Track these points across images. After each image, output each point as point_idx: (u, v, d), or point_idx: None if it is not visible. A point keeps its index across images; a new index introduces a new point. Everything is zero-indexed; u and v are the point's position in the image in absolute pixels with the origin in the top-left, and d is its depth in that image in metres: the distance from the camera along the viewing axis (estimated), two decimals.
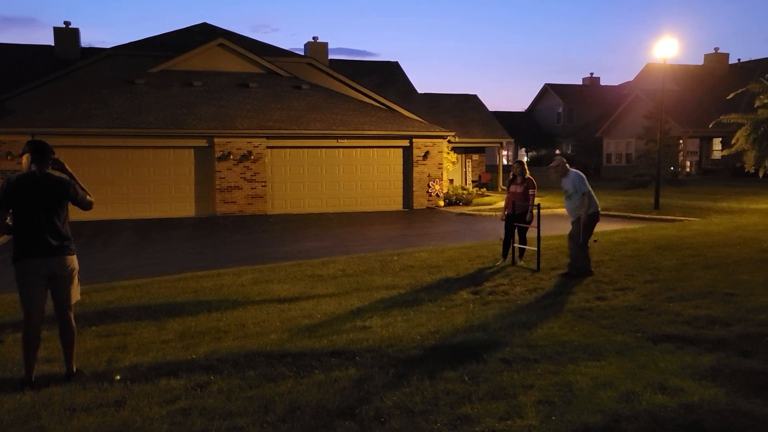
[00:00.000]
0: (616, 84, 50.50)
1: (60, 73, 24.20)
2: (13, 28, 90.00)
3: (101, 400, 4.30)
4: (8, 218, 4.78)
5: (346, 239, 15.05)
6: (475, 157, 30.80)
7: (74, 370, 4.85)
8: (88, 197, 4.95)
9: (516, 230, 9.75)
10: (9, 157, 17.55)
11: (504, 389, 4.27)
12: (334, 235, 15.82)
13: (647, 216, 17.74)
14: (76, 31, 28.21)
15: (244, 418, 3.91)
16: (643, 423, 3.70)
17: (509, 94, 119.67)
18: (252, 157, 20.20)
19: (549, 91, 50.68)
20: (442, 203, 22.52)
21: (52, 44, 28.07)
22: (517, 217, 9.71)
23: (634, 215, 17.98)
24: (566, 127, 47.96)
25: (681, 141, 34.21)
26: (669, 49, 18.61)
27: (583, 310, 6.55)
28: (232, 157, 19.99)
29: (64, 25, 27.88)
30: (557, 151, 45.18)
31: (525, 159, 45.48)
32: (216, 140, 19.86)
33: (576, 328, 5.83)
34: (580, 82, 53.09)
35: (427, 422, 3.81)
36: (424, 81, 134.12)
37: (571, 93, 49.78)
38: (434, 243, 13.39)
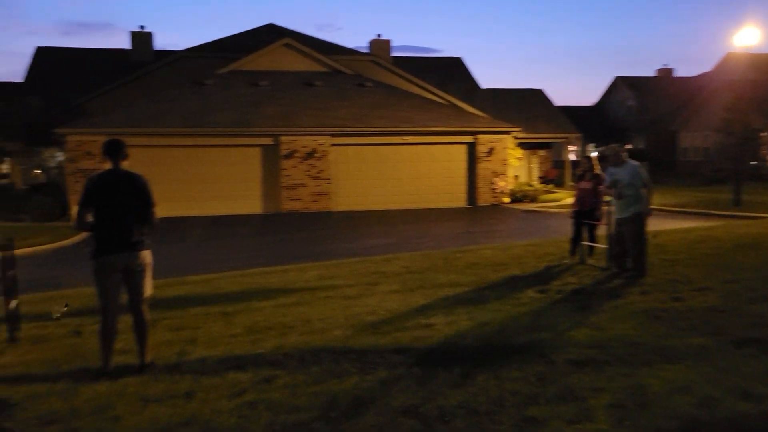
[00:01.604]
0: (692, 75, 48.38)
1: (135, 75, 25.20)
2: (92, 34, 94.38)
3: (172, 391, 4.42)
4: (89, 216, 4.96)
5: (409, 236, 15.01)
6: (541, 152, 30.19)
7: (147, 361, 5.01)
8: (157, 222, 5.04)
9: (585, 227, 9.46)
10: (88, 157, 18.38)
11: (573, 391, 4.13)
12: (398, 231, 15.82)
13: (727, 213, 16.92)
14: (149, 35, 29.31)
15: (309, 413, 3.93)
16: (723, 431, 3.50)
17: (577, 88, 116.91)
18: (316, 155, 20.45)
19: (620, 83, 49.04)
20: (507, 200, 22.18)
21: (128, 48, 29.25)
22: (586, 213, 9.42)
23: (712, 212, 17.20)
24: (638, 121, 46.28)
25: (763, 134, 32.45)
26: (751, 37, 17.70)
27: (658, 310, 6.27)
28: (297, 154, 20.30)
29: (139, 29, 29.00)
30: (628, 145, 43.70)
31: (594, 154, 44.25)
32: (282, 138, 20.21)
33: (650, 330, 5.58)
34: (653, 74, 51.14)
35: (493, 423, 3.72)
36: (488, 76, 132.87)
37: (643, 85, 47.99)
38: (499, 240, 13.18)
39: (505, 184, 22.34)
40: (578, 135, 30.98)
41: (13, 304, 6.19)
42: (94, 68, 27.48)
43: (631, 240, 8.00)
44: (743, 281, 7.46)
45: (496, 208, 21.27)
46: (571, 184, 10.01)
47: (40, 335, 6.21)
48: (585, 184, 9.54)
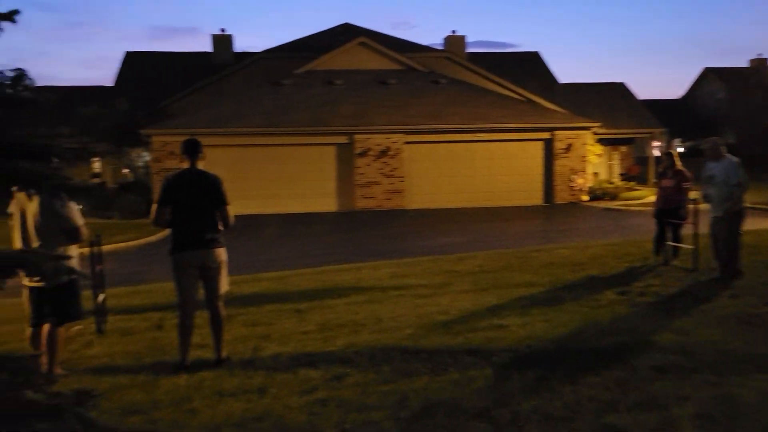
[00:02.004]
0: None
1: (216, 77, 26.04)
2: (178, 38, 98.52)
3: (246, 386, 4.50)
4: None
5: (483, 234, 14.80)
6: (623, 149, 29.09)
7: (223, 356, 5.13)
8: (232, 219, 5.13)
9: (669, 227, 9.01)
10: (172, 157, 19.15)
11: (655, 399, 3.92)
12: (472, 230, 15.63)
13: None
14: (230, 38, 30.21)
15: (379, 413, 3.91)
16: None
17: (662, 80, 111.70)
18: (390, 153, 20.49)
19: (709, 75, 46.66)
20: (585, 198, 21.51)
21: (210, 51, 30.27)
22: (669, 212, 8.97)
23: None
24: (729, 115, 43.87)
25: None
26: None
27: (750, 315, 5.89)
28: (371, 153, 20.41)
29: (219, 33, 29.97)
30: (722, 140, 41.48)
31: (679, 150, 42.31)
32: (356, 137, 20.37)
33: (740, 336, 5.25)
34: (746, 65, 48.31)
35: (568, 429, 3.59)
36: (567, 71, 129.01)
37: (734, 77, 45.40)
38: (577, 239, 12.78)
39: (584, 181, 21.67)
40: (662, 130, 29.63)
41: (101, 297, 6.50)
42: (178, 71, 28.59)
43: (722, 240, 7.56)
44: None
45: (574, 206, 20.67)
46: (654, 181, 9.51)
47: (126, 328, 6.49)
48: (667, 182, 9.08)
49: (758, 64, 48.43)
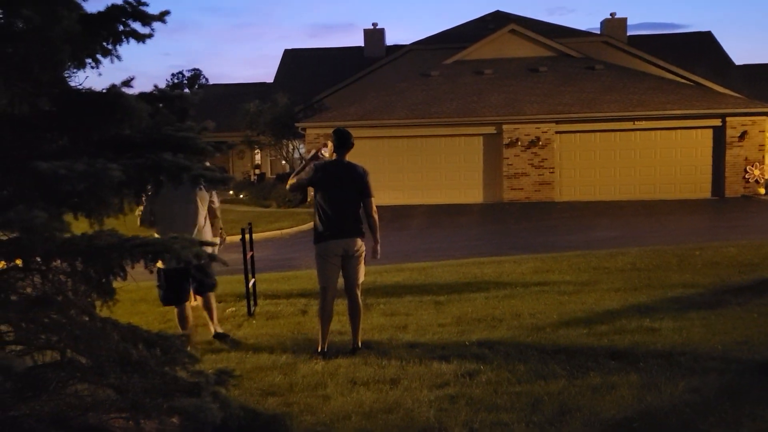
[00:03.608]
0: None
1: (367, 70, 26.74)
2: (334, 34, 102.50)
3: (379, 376, 4.54)
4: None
5: (639, 229, 13.85)
6: None
7: (359, 344, 5.23)
8: (374, 211, 5.24)
9: None
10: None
11: None
12: (627, 224, 14.68)
13: None
14: (381, 31, 30.82)
15: (510, 415, 3.75)
16: None
17: None
18: (540, 143, 19.81)
19: None
20: (762, 191, 19.36)
21: (361, 45, 31.11)
22: None
23: None
24: None
25: None
26: None
27: None
28: (519, 143, 19.87)
29: (371, 27, 30.70)
30: None
31: None
32: (504, 127, 19.93)
33: None
34: None
35: None
36: (745, 51, 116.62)
37: None
38: (749, 237, 11.53)
39: (761, 172, 19.52)
40: None
41: (252, 282, 6.91)
42: (331, 66, 29.72)
43: None
44: None
45: (748, 200, 18.70)
46: None
47: (273, 312, 6.84)
48: None
49: None
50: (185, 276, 5.39)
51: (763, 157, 19.64)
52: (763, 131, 19.62)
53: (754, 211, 16.69)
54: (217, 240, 6.04)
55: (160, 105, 3.08)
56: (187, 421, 2.95)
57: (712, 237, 11.92)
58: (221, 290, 6.53)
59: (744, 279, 7.43)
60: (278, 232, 15.37)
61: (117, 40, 3.01)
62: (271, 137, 23.65)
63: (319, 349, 5.16)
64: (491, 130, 20.06)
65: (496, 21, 26.23)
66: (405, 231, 15.05)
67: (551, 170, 19.88)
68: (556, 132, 19.80)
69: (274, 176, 25.74)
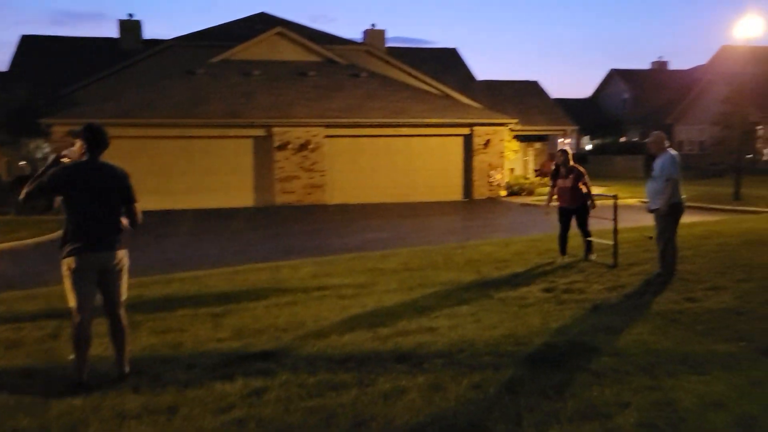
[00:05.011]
0: (687, 69, 48.09)
1: (124, 64, 24.65)
2: (82, 24, 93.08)
3: (153, 405, 4.01)
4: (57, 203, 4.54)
5: (406, 230, 14.63)
6: (537, 145, 29.83)
7: (127, 370, 4.60)
8: (140, 219, 4.64)
9: (578, 224, 9.01)
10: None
11: (596, 407, 3.76)
12: (394, 225, 15.43)
13: (727, 207, 16.64)
14: (138, 24, 28.72)
15: None
16: None
17: (572, 80, 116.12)
18: (310, 147, 20.00)
19: (615, 76, 48.79)
20: (503, 193, 21.83)
21: (117, 37, 28.63)
22: (572, 211, 8.98)
23: (712, 206, 16.87)
24: (633, 114, 46.05)
25: (760, 127, 32.18)
26: (753, 28, 17.35)
27: (673, 312, 5.92)
28: (290, 146, 19.85)
29: (127, 18, 28.41)
30: (623, 138, 43.39)
31: (588, 147, 43.92)
32: (274, 130, 19.75)
33: (668, 335, 5.23)
34: (648, 67, 50.85)
35: None
36: (484, 68, 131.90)
37: (638, 78, 47.72)
38: (498, 235, 12.81)
39: (502, 177, 21.98)
40: (574, 127, 30.62)
41: None
42: (82, 57, 26.86)
43: (656, 236, 7.61)
44: (757, 280, 7.12)
45: (493, 201, 20.92)
46: (550, 184, 9.34)
47: (14, 339, 5.76)
48: (563, 182, 9.00)
49: (659, 66, 51.04)
50: None
51: (503, 163, 22.14)
52: (503, 140, 22.11)
53: (499, 211, 18.68)
54: None
55: None
56: None
57: (468, 236, 13.00)
58: None
59: (500, 274, 8.14)
60: (17, 242, 13.32)
61: None
62: (6, 135, 20.54)
63: (78, 380, 4.41)
64: (261, 132, 19.74)
65: (263, 23, 25.96)
66: (173, 238, 14.05)
67: (322, 173, 20.18)
68: (326, 136, 20.16)
69: (12, 179, 22.43)
